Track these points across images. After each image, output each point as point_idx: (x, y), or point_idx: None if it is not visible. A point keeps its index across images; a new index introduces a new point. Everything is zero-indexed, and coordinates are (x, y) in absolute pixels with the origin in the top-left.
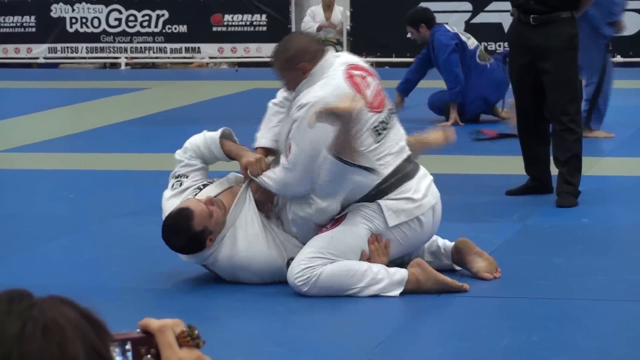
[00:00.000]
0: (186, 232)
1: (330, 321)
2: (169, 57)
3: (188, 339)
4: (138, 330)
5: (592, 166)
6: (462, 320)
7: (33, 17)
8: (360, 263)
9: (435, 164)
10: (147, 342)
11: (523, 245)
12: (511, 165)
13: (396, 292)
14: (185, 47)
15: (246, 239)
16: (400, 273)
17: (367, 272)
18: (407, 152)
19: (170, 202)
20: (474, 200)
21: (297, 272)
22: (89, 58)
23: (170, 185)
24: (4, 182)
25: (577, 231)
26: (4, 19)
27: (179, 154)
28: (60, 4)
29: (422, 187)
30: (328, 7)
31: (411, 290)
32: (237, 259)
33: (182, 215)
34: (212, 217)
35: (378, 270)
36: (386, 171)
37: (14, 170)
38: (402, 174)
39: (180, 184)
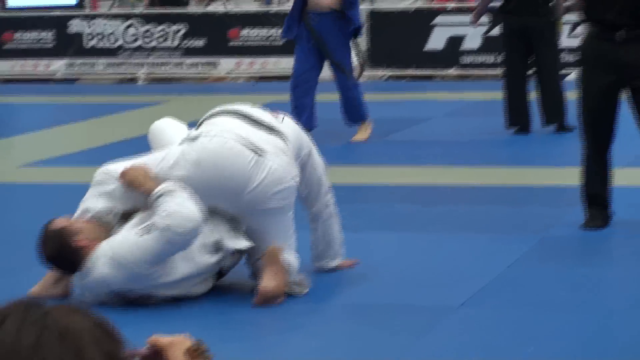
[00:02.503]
0: (48, 233)
1: (351, 332)
2: (186, 72)
3: (196, 354)
4: (146, 346)
5: (613, 176)
6: (482, 330)
7: (51, 33)
8: None
9: (454, 175)
10: (155, 358)
11: (543, 256)
12: (531, 175)
13: None
14: (203, 62)
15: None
16: None
17: None
18: None
19: None
20: (494, 211)
21: None
22: (107, 73)
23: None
24: (23, 197)
25: (596, 242)
26: (21, 35)
27: None
28: (78, 19)
29: None
30: None
31: None
32: (119, 251)
33: (45, 225)
34: (69, 220)
35: None
36: None
37: (33, 184)
38: None
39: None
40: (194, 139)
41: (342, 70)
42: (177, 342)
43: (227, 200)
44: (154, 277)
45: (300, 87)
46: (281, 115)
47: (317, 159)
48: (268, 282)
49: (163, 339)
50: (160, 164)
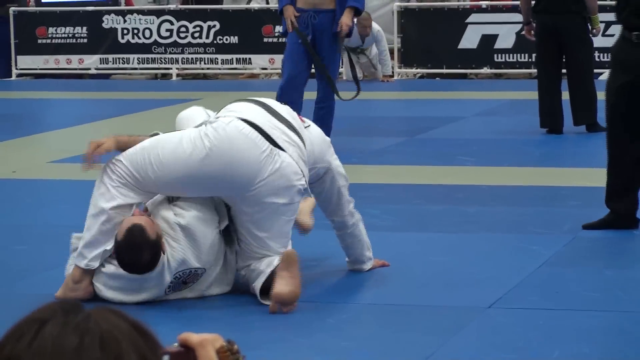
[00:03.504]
0: (147, 245)
1: (379, 332)
2: (220, 68)
3: (228, 354)
4: (176, 344)
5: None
6: (512, 331)
7: (85, 28)
8: None
9: (486, 175)
10: (185, 356)
11: (574, 257)
12: (562, 176)
13: None
14: (237, 58)
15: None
16: None
17: None
18: None
19: None
20: (525, 212)
21: None
22: (140, 69)
23: None
24: (56, 193)
25: (628, 243)
26: (56, 30)
27: None
28: (112, 15)
29: None
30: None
31: None
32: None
33: (135, 231)
34: (154, 223)
35: None
36: None
37: (66, 180)
38: None
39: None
40: (211, 122)
41: (329, 82)
42: (208, 341)
43: (233, 190)
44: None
45: (291, 92)
46: (308, 122)
47: (338, 171)
48: (283, 287)
49: (194, 336)
50: (177, 149)
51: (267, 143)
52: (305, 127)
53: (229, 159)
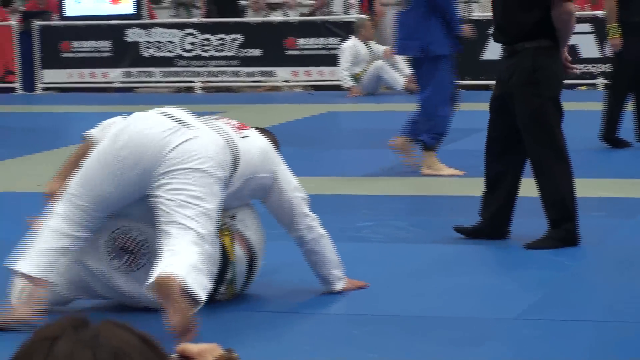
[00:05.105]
0: None
1: (405, 344)
2: (243, 81)
3: None
4: (174, 355)
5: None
6: (538, 343)
7: (108, 42)
8: None
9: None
10: None
11: (600, 268)
12: (584, 187)
13: None
14: (260, 71)
15: None
16: None
17: None
18: None
19: None
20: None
21: None
22: (164, 82)
23: None
24: None
25: None
26: (79, 44)
27: None
28: (135, 28)
29: None
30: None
31: None
32: None
33: None
34: None
35: None
36: None
37: None
38: None
39: None
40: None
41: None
42: (207, 350)
43: (144, 172)
44: None
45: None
46: (246, 132)
47: (287, 181)
48: (172, 318)
49: (192, 347)
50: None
51: (177, 123)
52: (243, 138)
53: (134, 134)
